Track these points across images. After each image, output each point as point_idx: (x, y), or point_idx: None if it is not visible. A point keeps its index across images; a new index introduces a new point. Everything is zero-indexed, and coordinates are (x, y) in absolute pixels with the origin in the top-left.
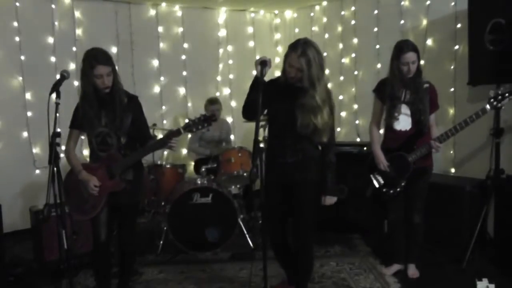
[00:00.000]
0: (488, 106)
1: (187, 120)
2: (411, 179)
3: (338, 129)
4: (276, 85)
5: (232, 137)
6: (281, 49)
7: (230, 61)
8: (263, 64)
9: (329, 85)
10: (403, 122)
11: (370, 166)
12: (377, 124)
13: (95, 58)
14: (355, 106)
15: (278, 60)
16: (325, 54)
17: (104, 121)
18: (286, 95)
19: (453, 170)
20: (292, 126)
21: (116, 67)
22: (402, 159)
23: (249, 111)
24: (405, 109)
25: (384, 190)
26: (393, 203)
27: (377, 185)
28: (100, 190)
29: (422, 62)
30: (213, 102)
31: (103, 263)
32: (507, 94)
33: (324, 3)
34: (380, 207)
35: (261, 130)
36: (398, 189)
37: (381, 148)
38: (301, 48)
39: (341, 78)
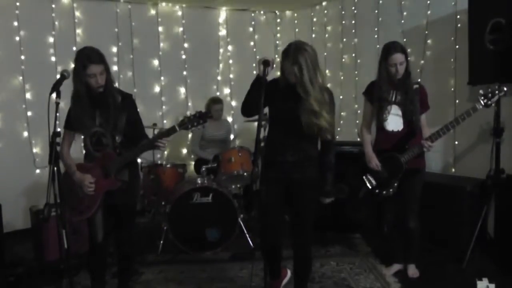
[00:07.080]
0: (478, 105)
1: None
2: (404, 179)
3: (338, 129)
4: (277, 85)
5: (231, 136)
6: (281, 49)
7: (230, 61)
8: (266, 63)
9: (329, 85)
10: (395, 123)
11: (363, 168)
12: (368, 126)
13: (87, 57)
14: (355, 106)
15: (278, 60)
16: (325, 54)
17: (99, 121)
18: (288, 95)
19: (453, 170)
20: (294, 125)
21: (116, 67)
22: (394, 159)
23: (248, 108)
24: (396, 110)
25: (376, 191)
26: (387, 204)
27: (369, 186)
28: (96, 189)
29: (422, 62)
30: (216, 102)
31: (99, 264)
32: (496, 92)
33: (324, 3)
34: (377, 208)
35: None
36: (390, 190)
37: (373, 150)
38: (292, 56)
39: (341, 78)
